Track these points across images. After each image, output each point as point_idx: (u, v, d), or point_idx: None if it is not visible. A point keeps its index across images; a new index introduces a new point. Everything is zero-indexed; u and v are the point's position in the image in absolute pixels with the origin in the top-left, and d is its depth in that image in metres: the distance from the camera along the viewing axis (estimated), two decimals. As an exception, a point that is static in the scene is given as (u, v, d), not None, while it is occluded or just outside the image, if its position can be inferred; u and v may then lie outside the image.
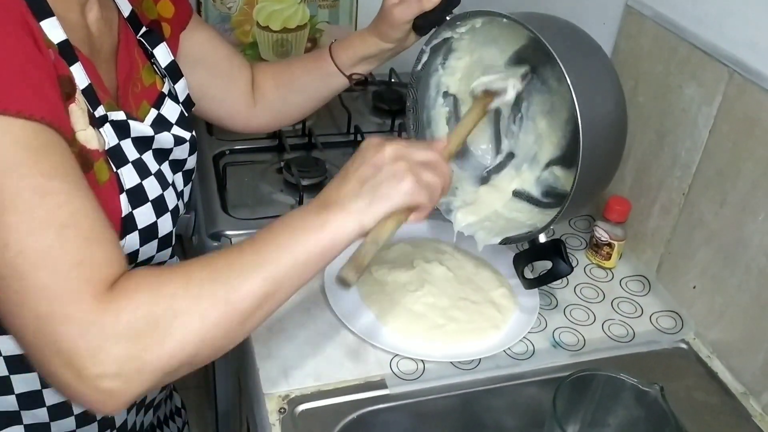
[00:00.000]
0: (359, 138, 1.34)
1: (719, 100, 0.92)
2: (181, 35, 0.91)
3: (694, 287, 0.98)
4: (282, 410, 0.81)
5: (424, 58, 0.97)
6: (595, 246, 1.07)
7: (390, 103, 1.44)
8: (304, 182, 1.18)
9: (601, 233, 1.06)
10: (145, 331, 0.57)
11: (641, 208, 1.08)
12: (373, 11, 0.99)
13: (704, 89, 0.94)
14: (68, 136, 0.62)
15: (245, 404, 0.96)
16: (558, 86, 0.94)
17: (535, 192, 0.98)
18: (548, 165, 0.97)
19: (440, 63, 0.99)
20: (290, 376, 0.85)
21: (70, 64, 0.66)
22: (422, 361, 0.88)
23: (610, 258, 1.06)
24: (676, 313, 1.00)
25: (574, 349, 0.92)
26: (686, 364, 0.94)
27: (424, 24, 0.94)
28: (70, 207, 0.57)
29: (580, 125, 0.78)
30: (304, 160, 1.26)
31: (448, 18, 0.92)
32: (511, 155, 1.02)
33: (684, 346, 0.96)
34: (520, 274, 0.95)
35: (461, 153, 1.04)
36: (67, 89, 0.64)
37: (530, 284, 0.94)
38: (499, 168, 1.03)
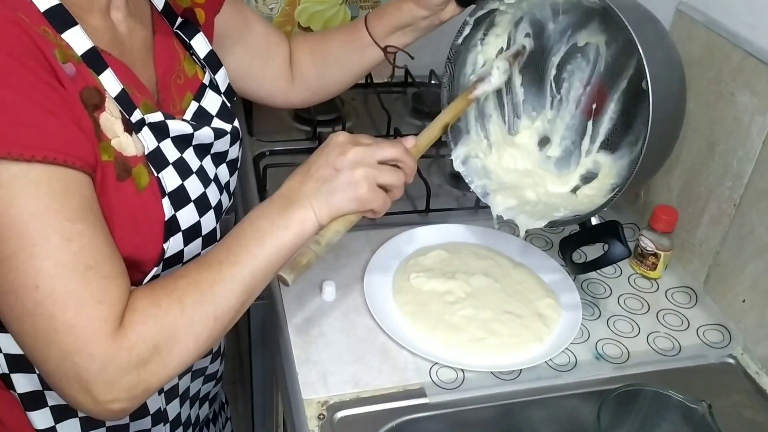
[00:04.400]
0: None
1: (774, 109, 0.89)
2: (215, 18, 0.89)
3: (744, 300, 0.95)
4: (321, 416, 0.81)
5: (466, 30, 0.93)
6: (640, 255, 1.05)
7: (430, 105, 1.43)
8: (344, 185, 1.17)
9: (647, 242, 1.03)
10: (150, 359, 0.63)
11: (689, 218, 1.05)
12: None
13: (758, 98, 0.91)
14: (89, 160, 0.62)
15: (283, 405, 0.96)
16: (606, 64, 0.92)
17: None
18: (589, 150, 0.95)
19: (480, 39, 0.96)
20: (329, 382, 0.85)
21: (99, 72, 0.66)
22: (462, 370, 0.87)
23: (655, 268, 1.04)
24: (724, 327, 0.97)
25: (617, 362, 0.90)
26: (734, 380, 0.91)
27: None
28: (92, 249, 0.61)
29: (650, 99, 0.76)
30: (344, 162, 1.25)
31: None
32: (546, 140, 1.00)
33: (731, 361, 0.93)
34: (569, 260, 0.90)
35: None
36: (95, 100, 0.64)
37: (582, 269, 0.89)
38: None
